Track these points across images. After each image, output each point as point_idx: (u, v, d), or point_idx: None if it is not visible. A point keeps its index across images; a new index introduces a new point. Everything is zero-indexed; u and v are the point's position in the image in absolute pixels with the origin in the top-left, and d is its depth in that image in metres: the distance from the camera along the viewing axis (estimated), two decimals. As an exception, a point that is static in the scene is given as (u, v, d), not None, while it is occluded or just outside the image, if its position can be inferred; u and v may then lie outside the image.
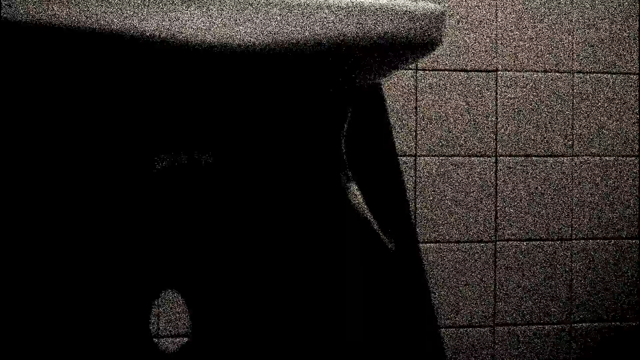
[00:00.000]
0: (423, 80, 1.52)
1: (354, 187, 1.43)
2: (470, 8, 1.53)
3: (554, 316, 1.57)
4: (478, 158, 1.54)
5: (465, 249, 1.54)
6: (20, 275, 1.32)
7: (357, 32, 1.07)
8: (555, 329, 1.57)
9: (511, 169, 1.55)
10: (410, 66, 1.51)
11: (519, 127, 1.55)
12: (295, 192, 1.41)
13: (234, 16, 1.03)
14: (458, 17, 1.53)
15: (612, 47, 1.58)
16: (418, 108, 1.52)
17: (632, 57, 1.59)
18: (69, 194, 1.32)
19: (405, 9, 1.09)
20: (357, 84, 1.26)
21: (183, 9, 1.01)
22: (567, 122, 1.57)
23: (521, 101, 1.55)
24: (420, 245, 1.52)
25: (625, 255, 1.59)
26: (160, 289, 1.39)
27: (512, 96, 1.55)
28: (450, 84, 1.53)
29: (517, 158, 1.55)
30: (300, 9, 1.05)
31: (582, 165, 1.57)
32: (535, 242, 1.56)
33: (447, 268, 1.53)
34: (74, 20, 1.00)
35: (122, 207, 1.34)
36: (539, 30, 1.55)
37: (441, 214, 1.53)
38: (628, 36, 1.58)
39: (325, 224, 1.43)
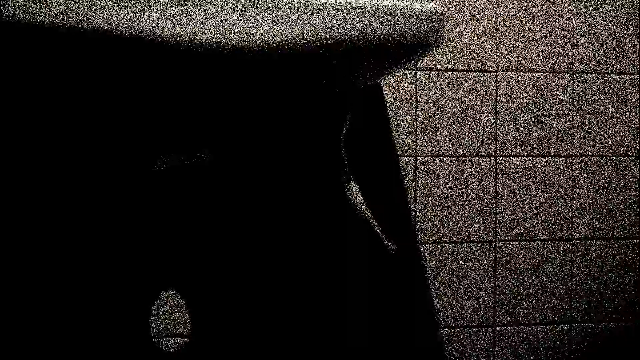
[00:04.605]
0: (423, 80, 1.52)
1: (353, 187, 1.42)
2: (470, 8, 1.53)
3: (554, 316, 1.57)
4: (478, 158, 1.54)
5: (465, 249, 1.54)
6: (21, 275, 1.32)
7: (356, 33, 1.07)
8: (555, 329, 1.57)
9: (511, 169, 1.55)
10: (410, 66, 1.51)
11: (519, 127, 1.55)
12: (295, 192, 1.41)
13: (234, 17, 1.03)
14: (458, 17, 1.53)
15: (612, 47, 1.58)
16: (418, 108, 1.52)
17: (632, 57, 1.59)
18: (70, 194, 1.32)
19: (404, 9, 1.09)
20: (357, 84, 1.26)
21: (182, 9, 1.01)
22: (567, 122, 1.57)
23: (521, 101, 1.55)
24: (421, 245, 1.52)
25: (625, 255, 1.59)
26: (160, 289, 1.39)
27: (512, 96, 1.55)
28: (450, 84, 1.53)
29: (517, 158, 1.55)
30: (299, 9, 1.05)
31: (582, 165, 1.57)
32: (535, 242, 1.56)
33: (447, 268, 1.53)
34: (75, 20, 1.00)
35: (122, 207, 1.34)
36: (539, 30, 1.55)
37: (441, 214, 1.53)
38: (628, 36, 1.58)
39: (325, 224, 1.43)
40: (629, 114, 1.59)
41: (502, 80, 1.54)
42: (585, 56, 1.57)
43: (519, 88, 1.55)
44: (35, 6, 0.99)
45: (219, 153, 1.35)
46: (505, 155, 1.55)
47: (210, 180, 1.37)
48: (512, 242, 1.55)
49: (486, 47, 1.54)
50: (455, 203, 1.53)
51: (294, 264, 1.42)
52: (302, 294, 1.43)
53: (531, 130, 1.55)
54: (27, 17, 0.99)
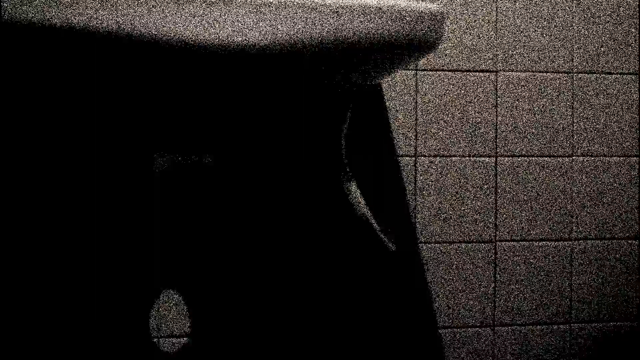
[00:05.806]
0: (423, 80, 1.52)
1: (353, 187, 1.42)
2: (470, 7, 1.53)
3: (554, 316, 1.57)
4: (478, 158, 1.54)
5: (465, 249, 1.54)
6: (20, 275, 1.32)
7: (356, 33, 1.07)
8: (555, 329, 1.57)
9: (511, 169, 1.55)
10: (410, 66, 1.51)
11: (519, 127, 1.55)
12: (295, 192, 1.41)
13: (234, 17, 1.03)
14: (458, 16, 1.53)
15: (612, 47, 1.58)
16: (418, 108, 1.52)
17: (632, 57, 1.59)
18: (71, 194, 1.32)
19: (404, 10, 1.09)
20: (357, 84, 1.26)
21: (183, 10, 1.02)
22: (567, 122, 1.57)
23: (521, 101, 1.55)
24: (420, 245, 1.52)
25: (625, 255, 1.59)
26: (160, 289, 1.39)
27: (512, 96, 1.55)
28: (450, 84, 1.53)
29: (517, 158, 1.55)
30: (299, 9, 1.05)
31: (582, 165, 1.57)
32: (535, 242, 1.56)
33: (447, 268, 1.53)
34: (75, 21, 1.00)
35: (122, 207, 1.34)
36: (539, 30, 1.55)
37: (441, 214, 1.53)
38: (628, 36, 1.58)
39: (325, 224, 1.43)
40: (629, 114, 1.59)
41: (502, 80, 1.54)
42: (585, 56, 1.57)
43: (519, 88, 1.55)
44: (35, 7, 0.99)
45: (220, 154, 1.35)
46: (505, 155, 1.55)
47: (211, 181, 1.37)
48: (512, 242, 1.55)
49: (486, 47, 1.54)
50: (455, 203, 1.53)
51: (293, 264, 1.43)
52: (302, 293, 1.43)
53: (531, 130, 1.55)
54: (27, 17, 0.99)
